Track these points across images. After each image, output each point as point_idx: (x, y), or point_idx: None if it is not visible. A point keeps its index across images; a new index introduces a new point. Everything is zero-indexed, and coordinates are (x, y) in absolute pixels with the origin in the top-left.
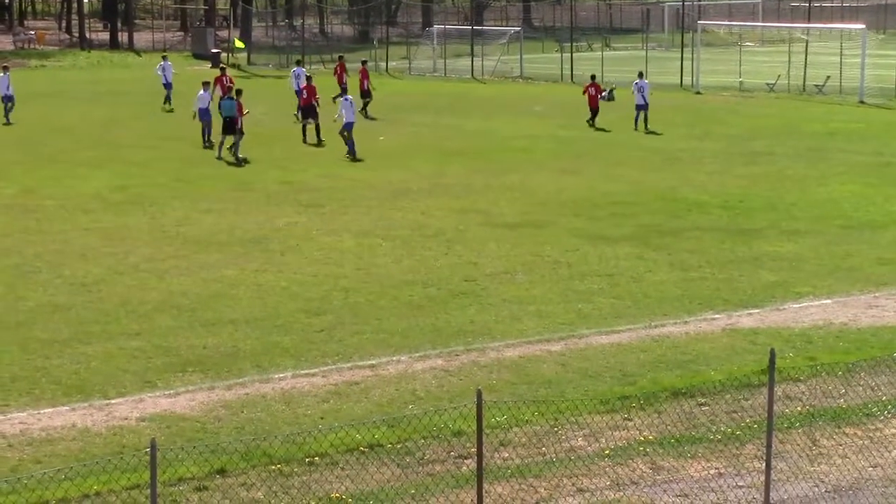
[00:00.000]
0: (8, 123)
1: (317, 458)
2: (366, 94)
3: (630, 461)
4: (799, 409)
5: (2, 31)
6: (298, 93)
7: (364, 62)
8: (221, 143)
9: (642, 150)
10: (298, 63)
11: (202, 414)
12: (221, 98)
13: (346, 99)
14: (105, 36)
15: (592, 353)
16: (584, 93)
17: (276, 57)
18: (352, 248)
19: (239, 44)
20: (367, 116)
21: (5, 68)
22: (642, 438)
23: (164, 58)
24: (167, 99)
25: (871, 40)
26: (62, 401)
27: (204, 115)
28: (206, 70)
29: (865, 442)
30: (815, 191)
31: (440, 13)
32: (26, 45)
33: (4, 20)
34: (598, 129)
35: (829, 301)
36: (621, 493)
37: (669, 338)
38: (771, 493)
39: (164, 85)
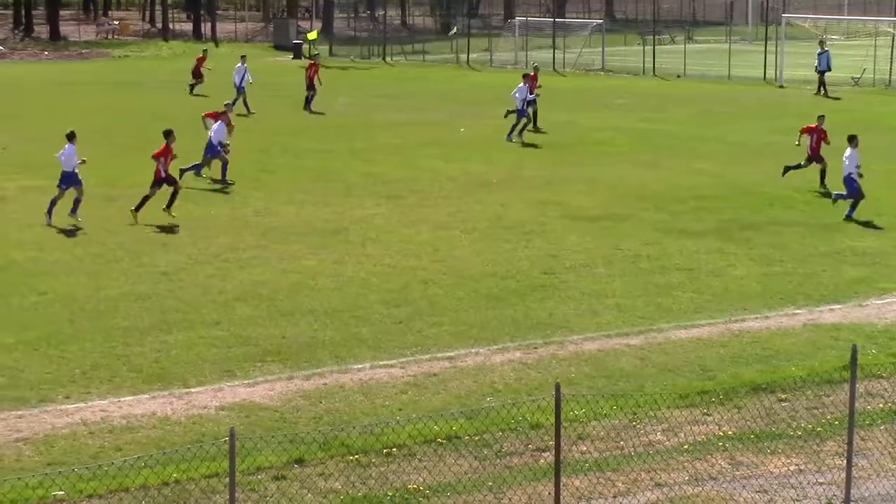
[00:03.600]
0: (250, 113)
1: (394, 449)
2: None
3: (709, 456)
4: (881, 405)
5: (86, 22)
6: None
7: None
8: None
9: (724, 143)
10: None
11: (281, 403)
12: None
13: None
14: (187, 26)
15: (672, 347)
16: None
17: (357, 48)
18: (431, 239)
19: (312, 35)
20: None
21: (243, 58)
22: (721, 433)
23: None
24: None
25: None
26: (142, 389)
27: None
28: (289, 61)
29: None
30: None
31: (522, 5)
32: (110, 36)
33: (89, 10)
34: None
35: None
36: (700, 488)
37: (750, 333)
38: (852, 490)
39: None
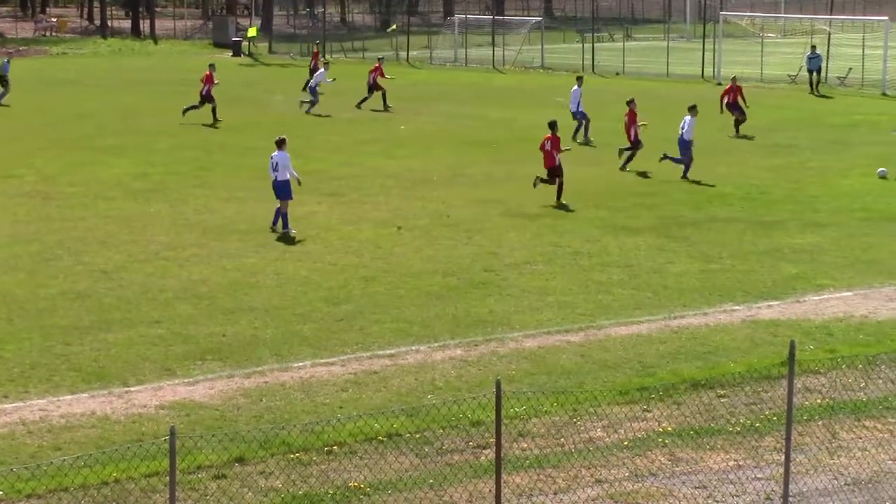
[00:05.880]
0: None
1: (335, 447)
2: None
3: (649, 452)
4: (819, 401)
5: (23, 19)
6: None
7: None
8: None
9: (663, 140)
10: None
11: (221, 402)
12: None
13: None
14: (126, 24)
15: (612, 343)
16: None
17: (297, 46)
18: (372, 237)
19: (251, 32)
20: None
21: (326, 64)
22: (661, 430)
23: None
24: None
25: (893, 32)
26: (82, 388)
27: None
28: (228, 59)
29: (885, 435)
30: (836, 183)
31: (461, 2)
32: (48, 33)
33: (26, 7)
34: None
35: (849, 293)
36: (640, 485)
37: (689, 329)
38: (790, 486)
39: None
